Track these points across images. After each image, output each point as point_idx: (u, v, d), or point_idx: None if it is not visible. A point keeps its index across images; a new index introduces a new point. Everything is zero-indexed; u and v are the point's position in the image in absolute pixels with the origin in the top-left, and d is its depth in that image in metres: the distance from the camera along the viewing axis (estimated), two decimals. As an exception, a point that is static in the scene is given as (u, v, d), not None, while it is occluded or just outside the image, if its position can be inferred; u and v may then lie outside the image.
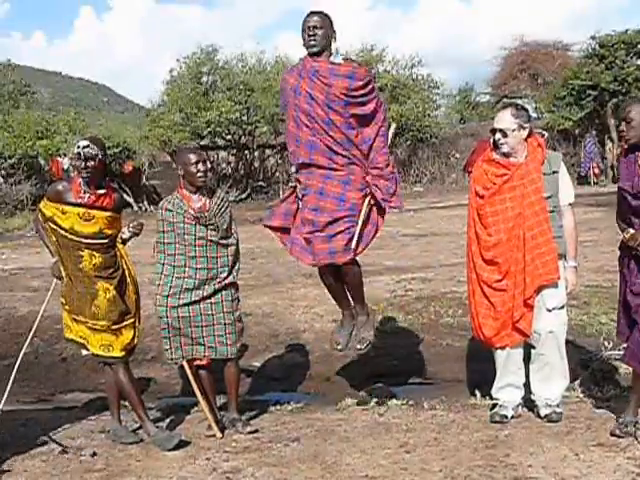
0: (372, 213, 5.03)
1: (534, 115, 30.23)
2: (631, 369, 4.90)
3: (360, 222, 4.89)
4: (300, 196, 5.02)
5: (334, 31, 4.93)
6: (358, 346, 5.23)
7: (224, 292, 5.21)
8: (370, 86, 4.90)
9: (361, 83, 4.85)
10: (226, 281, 5.22)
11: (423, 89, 28.43)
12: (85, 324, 5.15)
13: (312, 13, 4.94)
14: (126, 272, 5.29)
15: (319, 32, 4.85)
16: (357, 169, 4.90)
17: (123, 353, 5.21)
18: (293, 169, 5.09)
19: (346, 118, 4.81)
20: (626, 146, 4.70)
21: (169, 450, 4.98)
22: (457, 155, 27.25)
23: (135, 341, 5.32)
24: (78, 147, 5.03)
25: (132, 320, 5.26)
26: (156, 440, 5.09)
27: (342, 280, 5.11)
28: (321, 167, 4.87)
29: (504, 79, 31.47)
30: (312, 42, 4.86)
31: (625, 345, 4.85)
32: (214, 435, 5.19)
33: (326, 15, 4.93)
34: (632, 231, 4.59)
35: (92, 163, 4.99)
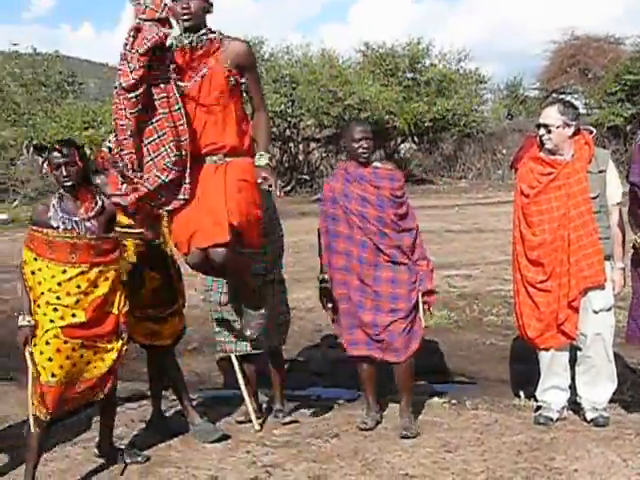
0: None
1: (584, 111, 29.77)
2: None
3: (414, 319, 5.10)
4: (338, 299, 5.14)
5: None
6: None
7: (269, 287, 5.23)
8: (404, 187, 5.19)
9: (400, 184, 5.13)
10: (271, 276, 5.24)
11: (470, 83, 28.14)
12: (131, 313, 5.16)
13: (358, 124, 5.24)
14: (169, 260, 5.28)
15: (370, 143, 5.07)
16: (401, 267, 5.06)
17: (169, 341, 5.23)
18: (324, 276, 5.19)
19: (393, 217, 5.03)
20: None
21: (210, 443, 4.98)
22: (504, 151, 26.92)
23: (180, 328, 5.33)
24: (109, 141, 5.03)
25: (177, 308, 5.26)
26: (198, 431, 5.10)
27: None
28: (367, 264, 5.03)
29: (553, 73, 30.94)
30: (365, 153, 5.06)
31: None
32: (254, 428, 5.20)
33: (370, 123, 5.02)
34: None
35: None
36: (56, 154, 4.44)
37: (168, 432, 5.23)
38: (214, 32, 4.36)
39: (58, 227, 4.36)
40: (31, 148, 24.06)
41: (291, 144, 25.97)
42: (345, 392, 6.37)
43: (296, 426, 5.28)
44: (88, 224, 4.44)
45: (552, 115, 4.92)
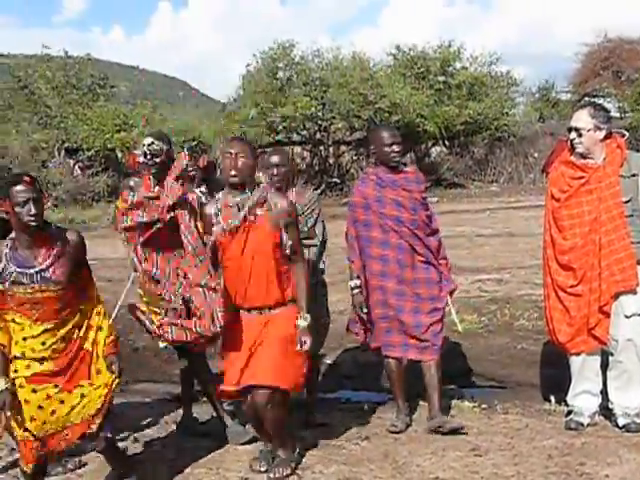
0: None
1: (617, 114, 29.45)
2: None
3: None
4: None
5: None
6: None
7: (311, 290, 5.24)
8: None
9: (425, 186, 5.38)
10: (312, 280, 5.24)
11: (501, 87, 27.99)
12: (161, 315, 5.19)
13: (387, 129, 5.43)
14: None
15: (400, 147, 5.19)
16: (432, 268, 5.22)
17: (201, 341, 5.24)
18: (357, 282, 5.25)
19: (425, 219, 5.20)
20: None
21: (241, 444, 5.02)
22: (536, 155, 26.70)
23: (213, 330, 5.30)
24: (143, 145, 5.10)
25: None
26: (230, 433, 5.14)
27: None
28: (405, 266, 5.14)
29: (586, 76, 30.64)
30: (396, 158, 5.18)
31: None
32: None
33: (398, 128, 5.18)
34: None
35: (158, 159, 5.05)
36: (21, 187, 3.75)
37: (199, 434, 5.28)
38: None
39: (9, 282, 3.79)
40: (62, 151, 24.31)
41: (321, 147, 25.99)
42: (375, 395, 6.39)
43: (326, 429, 5.30)
44: (47, 273, 3.83)
45: (583, 118, 4.91)
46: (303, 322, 4.40)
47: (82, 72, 28.68)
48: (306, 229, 5.21)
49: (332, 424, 5.40)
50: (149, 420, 5.65)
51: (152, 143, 5.07)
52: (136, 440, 5.19)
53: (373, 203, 5.14)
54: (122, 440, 5.15)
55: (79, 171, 24.45)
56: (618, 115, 28.92)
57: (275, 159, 5.21)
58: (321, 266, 5.37)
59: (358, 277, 5.23)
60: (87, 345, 4.02)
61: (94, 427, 3.96)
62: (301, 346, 4.38)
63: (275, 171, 5.16)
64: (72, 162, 24.69)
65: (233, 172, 4.35)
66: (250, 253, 4.34)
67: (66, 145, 24.62)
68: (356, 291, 5.23)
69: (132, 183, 5.21)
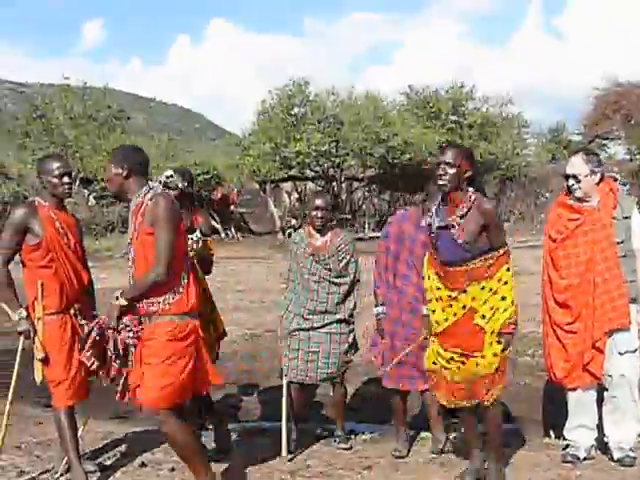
0: None
1: (626, 157, 29.64)
2: None
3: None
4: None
5: None
6: None
7: (334, 325, 5.58)
8: None
9: None
10: (337, 316, 5.57)
11: (513, 127, 28.30)
12: None
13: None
14: (204, 294, 5.41)
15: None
16: None
17: None
18: (381, 309, 5.52)
19: None
20: None
21: None
22: (547, 195, 26.90)
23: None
24: (162, 176, 5.31)
25: (204, 337, 5.38)
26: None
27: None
28: (419, 302, 5.32)
29: (596, 119, 30.95)
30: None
31: None
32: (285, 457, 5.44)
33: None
34: None
35: (175, 193, 5.25)
36: None
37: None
38: None
39: None
40: (77, 180, 24.58)
41: (334, 183, 26.27)
42: (377, 427, 6.51)
43: (329, 457, 5.45)
44: None
45: (579, 165, 5.10)
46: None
47: (99, 103, 29.00)
48: (339, 267, 5.54)
49: (336, 454, 5.54)
50: (158, 446, 5.79)
51: (170, 176, 5.28)
52: (144, 465, 5.33)
53: (408, 240, 5.42)
54: (130, 463, 5.31)
55: (93, 201, 24.74)
56: (628, 158, 29.11)
57: (319, 202, 5.58)
58: (350, 305, 5.63)
59: (383, 304, 5.52)
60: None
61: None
62: None
63: (319, 214, 5.55)
64: (86, 192, 24.99)
65: None
66: None
67: (81, 175, 24.87)
68: (381, 316, 5.51)
69: None
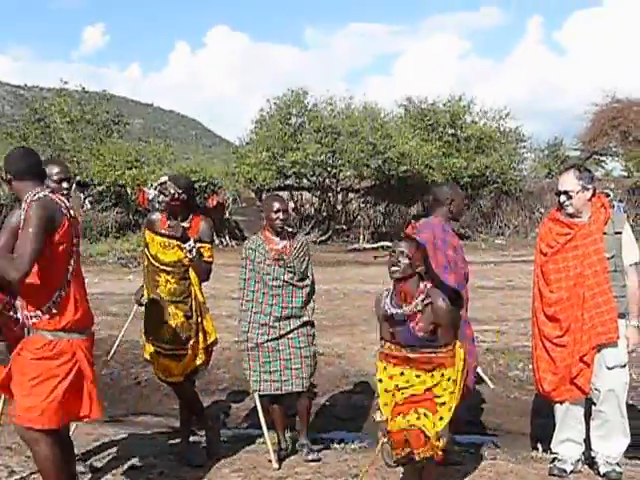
0: None
1: (624, 173, 29.74)
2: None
3: None
4: None
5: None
6: None
7: (300, 329, 5.56)
8: None
9: None
10: (301, 320, 5.56)
11: (509, 142, 28.39)
12: (154, 346, 5.45)
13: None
14: (193, 301, 5.47)
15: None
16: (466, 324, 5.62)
17: (181, 379, 5.48)
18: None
19: (467, 270, 5.57)
20: None
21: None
22: (542, 210, 26.96)
23: (197, 364, 5.48)
24: (156, 182, 5.36)
25: (192, 345, 5.43)
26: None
27: None
28: None
29: (594, 135, 31.06)
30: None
31: None
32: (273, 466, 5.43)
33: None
34: None
35: (166, 199, 5.29)
36: None
37: (194, 462, 5.44)
38: None
39: None
40: (74, 184, 24.59)
41: (330, 194, 26.31)
42: (367, 437, 6.53)
43: (318, 465, 5.48)
44: None
45: (571, 181, 5.15)
46: None
47: (98, 108, 29.03)
48: (302, 269, 5.57)
49: (324, 461, 5.57)
50: (149, 450, 5.82)
51: (164, 183, 5.31)
52: (136, 467, 5.36)
53: (440, 242, 5.38)
54: (121, 466, 5.33)
55: (89, 205, 24.73)
56: (625, 174, 29.21)
57: (278, 205, 5.54)
58: (313, 306, 5.68)
59: None
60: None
61: None
62: None
63: (281, 216, 5.52)
64: (83, 196, 24.97)
65: None
66: None
67: (78, 179, 24.88)
68: None
69: (154, 217, 5.50)
